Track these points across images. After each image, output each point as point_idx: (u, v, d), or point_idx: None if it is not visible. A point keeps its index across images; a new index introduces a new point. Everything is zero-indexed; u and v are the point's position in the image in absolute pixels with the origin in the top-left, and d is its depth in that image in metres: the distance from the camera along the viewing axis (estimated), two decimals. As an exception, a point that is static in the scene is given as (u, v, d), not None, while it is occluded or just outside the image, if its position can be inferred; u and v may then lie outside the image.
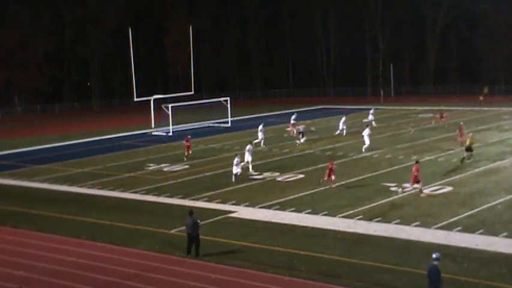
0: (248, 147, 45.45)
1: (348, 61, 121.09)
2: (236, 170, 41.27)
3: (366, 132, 51.57)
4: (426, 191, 36.79)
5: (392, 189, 37.72)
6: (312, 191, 38.41)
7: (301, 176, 43.10)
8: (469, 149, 44.99)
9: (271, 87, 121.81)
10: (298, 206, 34.77)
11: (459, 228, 29.63)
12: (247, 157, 44.61)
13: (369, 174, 42.35)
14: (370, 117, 67.74)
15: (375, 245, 28.04)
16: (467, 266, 24.79)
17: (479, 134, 56.87)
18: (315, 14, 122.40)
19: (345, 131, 60.91)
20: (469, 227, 29.63)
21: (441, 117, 64.11)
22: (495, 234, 28.49)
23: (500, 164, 44.40)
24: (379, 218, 31.76)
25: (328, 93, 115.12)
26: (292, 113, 66.95)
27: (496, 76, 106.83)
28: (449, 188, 37.52)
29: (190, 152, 51.06)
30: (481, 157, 46.38)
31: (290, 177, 42.90)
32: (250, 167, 44.43)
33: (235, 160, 41.53)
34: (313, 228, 30.88)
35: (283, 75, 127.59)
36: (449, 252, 26.40)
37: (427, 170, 42.13)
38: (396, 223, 30.84)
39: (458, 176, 40.37)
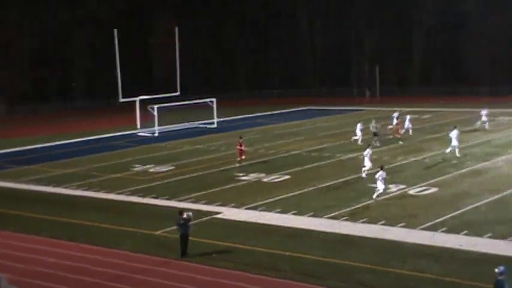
0: (366, 151, 42.57)
1: (334, 62, 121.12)
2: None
3: (454, 134, 48.16)
4: (412, 191, 37.17)
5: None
6: (299, 191, 38.60)
7: (287, 177, 43.24)
8: None
9: (258, 88, 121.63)
10: (284, 207, 34.90)
11: (444, 229, 29.85)
12: (367, 163, 42.03)
13: (355, 175, 42.56)
14: (484, 118, 63.78)
15: (359, 245, 28.21)
16: (452, 266, 25.01)
17: (465, 135, 57.26)
18: (300, 14, 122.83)
19: (360, 139, 55.45)
20: (453, 228, 29.85)
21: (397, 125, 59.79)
22: (479, 235, 28.73)
23: (484, 165, 44.71)
24: (364, 219, 31.95)
25: (315, 93, 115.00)
26: (394, 111, 62.66)
27: (480, 77, 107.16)
28: (434, 189, 37.81)
29: (243, 157, 48.05)
30: (466, 158, 46.73)
31: (276, 178, 43.03)
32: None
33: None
34: (298, 229, 31.04)
35: (269, 76, 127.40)
36: (433, 252, 26.70)
37: (413, 171, 42.40)
38: (382, 224, 31.03)
39: (443, 177, 40.62)
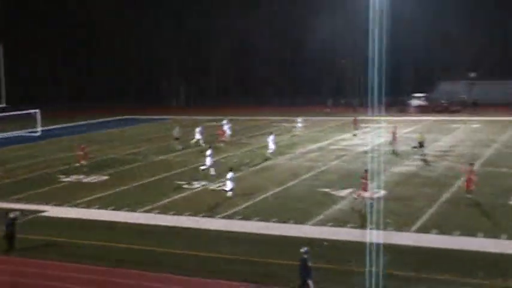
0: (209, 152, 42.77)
1: (145, 78, 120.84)
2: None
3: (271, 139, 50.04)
4: (212, 187, 38.33)
5: (184, 186, 38.83)
6: (116, 190, 38.57)
7: (106, 177, 43.05)
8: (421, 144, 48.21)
9: (81, 99, 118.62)
10: (103, 204, 34.78)
11: (240, 216, 31.05)
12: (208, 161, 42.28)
13: (166, 174, 43.15)
14: (299, 124, 66.18)
15: (170, 234, 28.77)
16: (246, 248, 26.28)
17: (255, 138, 59.53)
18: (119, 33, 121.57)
19: (202, 141, 56.31)
20: (247, 215, 31.15)
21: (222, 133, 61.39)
22: (267, 220, 30.27)
23: (271, 163, 46.78)
24: (173, 212, 32.56)
25: (131, 105, 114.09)
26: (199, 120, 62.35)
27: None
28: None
29: (83, 161, 46.63)
30: (260, 158, 48.72)
31: (95, 178, 42.71)
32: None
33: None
34: (116, 222, 31.13)
35: (92, 87, 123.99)
36: (233, 236, 27.85)
37: (216, 169, 43.65)
38: (188, 215, 31.78)
39: (239, 174, 41.99)
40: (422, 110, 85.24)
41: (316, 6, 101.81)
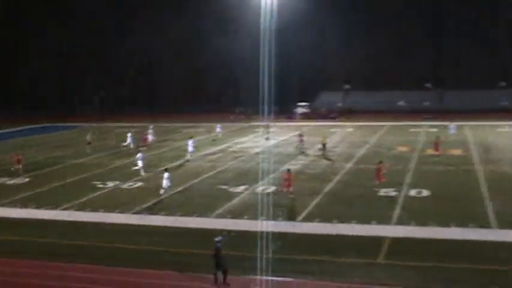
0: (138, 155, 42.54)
1: (65, 88, 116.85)
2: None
3: (190, 143, 49.23)
4: (124, 186, 37.78)
5: (99, 186, 38.09)
6: (38, 190, 37.34)
7: (28, 179, 41.64)
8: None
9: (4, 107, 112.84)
10: (24, 203, 33.66)
11: (151, 211, 30.82)
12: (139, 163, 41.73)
13: (84, 175, 42.18)
14: (218, 130, 64.84)
15: (86, 229, 28.22)
16: (171, 239, 26.14)
17: (173, 142, 58.96)
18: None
19: (131, 145, 55.43)
20: (157, 211, 30.89)
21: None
22: (174, 214, 30.09)
23: (179, 164, 46.67)
24: (89, 209, 31.92)
25: (54, 113, 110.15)
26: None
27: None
28: (140, 184, 38.56)
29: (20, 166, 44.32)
30: (170, 160, 48.44)
31: (18, 181, 41.19)
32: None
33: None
34: (39, 220, 30.18)
35: (16, 96, 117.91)
36: (147, 230, 27.62)
37: (127, 170, 42.99)
38: (103, 211, 31.22)
39: (147, 174, 41.43)
40: (306, 116, 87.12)
41: (213, 24, 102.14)
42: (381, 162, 36.44)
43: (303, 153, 49.83)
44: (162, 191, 34.16)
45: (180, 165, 45.53)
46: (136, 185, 38.04)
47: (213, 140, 61.37)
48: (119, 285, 20.92)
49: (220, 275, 20.42)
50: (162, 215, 30.09)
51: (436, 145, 47.76)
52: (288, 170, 34.57)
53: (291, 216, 28.91)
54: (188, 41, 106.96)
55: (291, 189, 32.98)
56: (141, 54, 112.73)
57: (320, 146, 50.48)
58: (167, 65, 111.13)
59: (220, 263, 20.30)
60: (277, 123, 73.15)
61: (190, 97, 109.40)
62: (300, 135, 53.62)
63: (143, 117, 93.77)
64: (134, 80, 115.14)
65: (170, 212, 30.55)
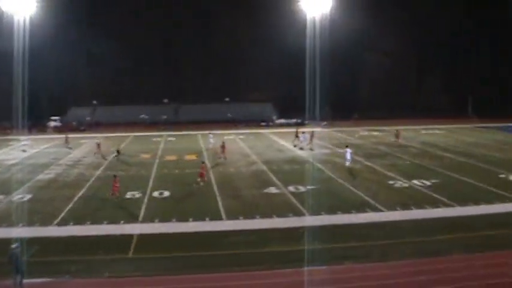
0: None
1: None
2: None
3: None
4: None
5: None
6: None
7: None
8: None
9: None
10: None
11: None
12: None
13: None
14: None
15: None
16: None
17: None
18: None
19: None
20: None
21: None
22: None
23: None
24: None
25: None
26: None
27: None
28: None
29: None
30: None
31: None
32: None
33: None
34: None
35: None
36: None
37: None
38: None
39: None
40: (58, 130, 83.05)
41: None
42: (203, 162, 38.51)
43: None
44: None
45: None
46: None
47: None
48: None
49: (19, 278, 19.03)
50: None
51: (222, 148, 48.48)
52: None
53: (47, 222, 27.44)
54: None
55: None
56: None
57: (116, 153, 50.07)
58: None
59: (19, 267, 18.97)
60: (31, 137, 68.21)
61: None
62: (98, 144, 51.75)
63: None
64: None
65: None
